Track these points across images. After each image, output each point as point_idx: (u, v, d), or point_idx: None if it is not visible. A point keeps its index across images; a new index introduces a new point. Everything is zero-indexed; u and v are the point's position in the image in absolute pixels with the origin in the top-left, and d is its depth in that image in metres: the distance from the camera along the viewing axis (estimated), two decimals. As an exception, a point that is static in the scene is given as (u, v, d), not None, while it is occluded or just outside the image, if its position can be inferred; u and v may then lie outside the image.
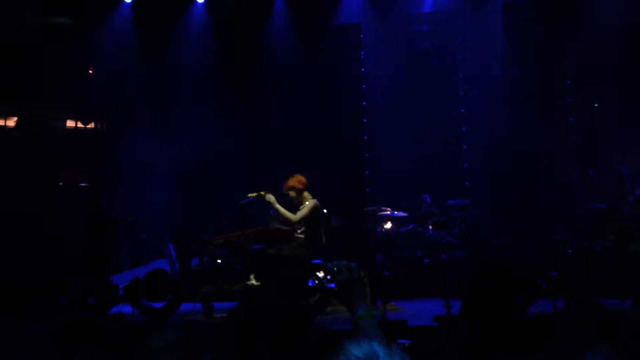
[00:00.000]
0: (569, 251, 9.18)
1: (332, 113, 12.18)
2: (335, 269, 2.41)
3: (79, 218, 10.69)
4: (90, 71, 13.10)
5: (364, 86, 12.40)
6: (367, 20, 12.53)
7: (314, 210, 7.59)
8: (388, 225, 10.98)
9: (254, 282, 7.45)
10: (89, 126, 13.41)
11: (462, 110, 11.97)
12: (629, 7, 10.80)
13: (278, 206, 7.51)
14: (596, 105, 11.50)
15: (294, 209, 7.67)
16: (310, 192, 7.74)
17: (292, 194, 7.72)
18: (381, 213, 10.98)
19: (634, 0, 10.86)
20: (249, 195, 7.61)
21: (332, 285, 2.41)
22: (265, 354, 2.16)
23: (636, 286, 5.52)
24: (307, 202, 7.61)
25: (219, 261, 10.21)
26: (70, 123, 13.46)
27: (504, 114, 11.38)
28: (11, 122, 13.17)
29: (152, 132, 12.34)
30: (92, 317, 7.35)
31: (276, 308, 2.26)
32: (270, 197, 7.48)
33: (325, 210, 10.78)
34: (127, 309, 7.78)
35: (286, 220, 7.59)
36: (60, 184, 13.05)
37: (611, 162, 10.54)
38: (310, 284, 7.29)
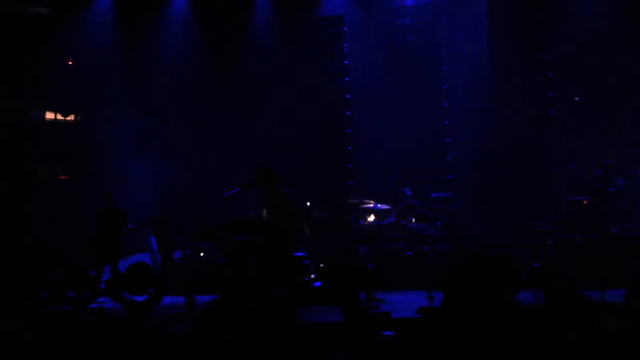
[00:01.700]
0: (550, 243, 9.25)
1: (316, 105, 12.15)
2: (324, 266, 2.40)
3: (57, 211, 10.54)
4: (70, 62, 12.91)
5: (347, 79, 12.36)
6: (351, 13, 12.51)
7: (288, 201, 7.47)
8: (371, 217, 10.99)
9: None
10: (68, 118, 13.22)
11: (445, 104, 12.01)
12: (611, 1, 10.88)
13: None
14: (577, 99, 11.58)
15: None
16: (275, 179, 7.60)
17: (263, 186, 7.61)
18: (364, 206, 10.98)
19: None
20: (232, 187, 7.55)
21: (317, 284, 2.41)
22: (244, 346, 2.13)
23: (630, 276, 5.56)
24: (279, 197, 7.46)
25: (202, 254, 10.14)
26: (49, 115, 13.26)
27: (486, 107, 11.43)
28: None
29: (133, 124, 12.21)
30: (72, 310, 7.28)
31: (257, 300, 2.23)
32: None
33: (308, 203, 10.78)
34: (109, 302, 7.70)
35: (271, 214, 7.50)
36: (40, 176, 12.87)
37: (592, 155, 10.63)
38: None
